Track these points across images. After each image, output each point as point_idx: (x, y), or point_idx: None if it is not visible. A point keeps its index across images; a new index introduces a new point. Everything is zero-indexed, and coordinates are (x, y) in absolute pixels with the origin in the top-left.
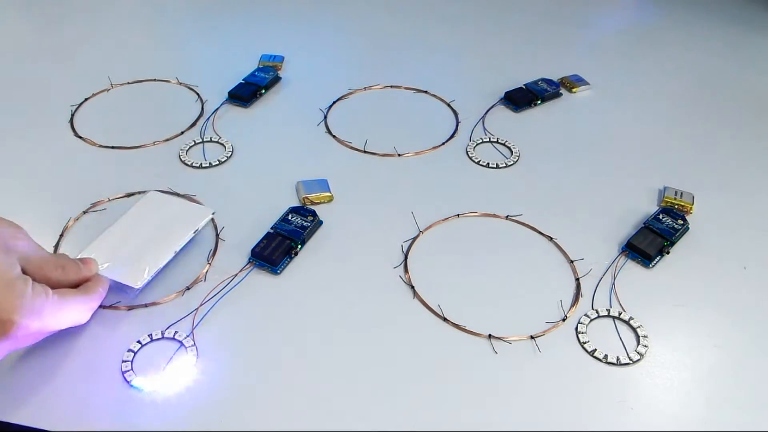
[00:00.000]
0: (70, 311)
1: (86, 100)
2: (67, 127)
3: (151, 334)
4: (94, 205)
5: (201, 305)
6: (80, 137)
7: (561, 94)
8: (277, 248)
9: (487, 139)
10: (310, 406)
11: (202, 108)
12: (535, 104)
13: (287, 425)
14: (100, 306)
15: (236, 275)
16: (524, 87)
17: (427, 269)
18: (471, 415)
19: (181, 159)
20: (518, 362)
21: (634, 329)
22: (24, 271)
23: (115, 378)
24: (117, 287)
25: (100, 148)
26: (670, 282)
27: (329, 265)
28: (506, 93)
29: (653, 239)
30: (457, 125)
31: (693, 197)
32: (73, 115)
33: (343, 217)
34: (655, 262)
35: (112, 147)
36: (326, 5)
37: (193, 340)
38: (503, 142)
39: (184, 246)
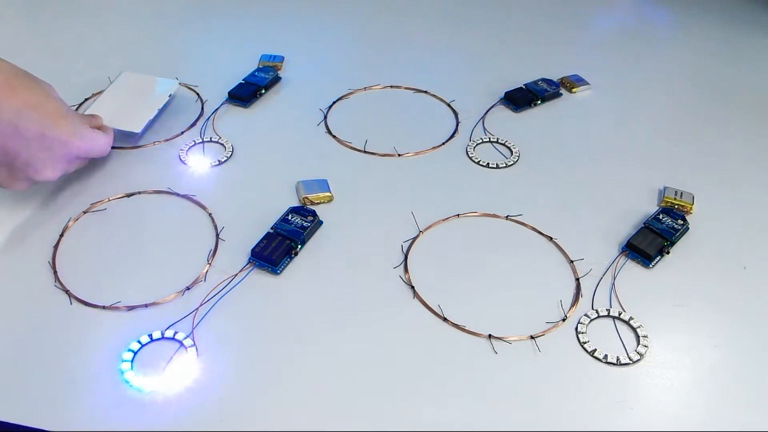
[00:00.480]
0: (100, 139)
1: (86, 100)
2: None
3: (151, 334)
4: (94, 205)
5: (201, 305)
6: None
7: (561, 94)
8: (277, 248)
9: (487, 139)
10: (310, 405)
11: (202, 108)
12: (535, 104)
13: (287, 425)
14: (101, 306)
15: (236, 275)
16: (524, 87)
17: (427, 269)
18: (471, 415)
19: (181, 159)
20: (518, 362)
21: (634, 329)
22: None
23: (115, 378)
24: (121, 135)
25: None
26: (670, 282)
27: (329, 265)
28: (506, 93)
29: (653, 239)
30: (457, 125)
31: (693, 197)
32: None
33: (343, 217)
34: (655, 262)
35: (112, 147)
36: (326, 5)
37: (193, 340)
38: (503, 142)
39: (164, 107)
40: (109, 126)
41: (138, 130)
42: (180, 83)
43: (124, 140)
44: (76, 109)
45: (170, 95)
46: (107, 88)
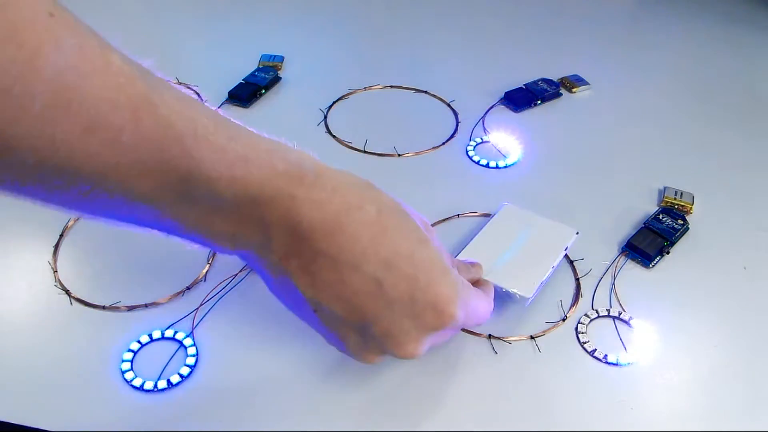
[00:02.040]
0: (484, 309)
1: None
2: None
3: (151, 334)
4: None
5: (201, 305)
6: None
7: (561, 94)
8: None
9: (487, 140)
10: (310, 405)
11: None
12: (535, 104)
13: (287, 425)
14: (101, 306)
15: (236, 275)
16: (524, 87)
17: None
18: (471, 415)
19: None
20: (518, 362)
21: (634, 329)
22: None
23: (115, 378)
24: (503, 295)
25: None
26: (670, 282)
27: None
28: (506, 93)
29: (653, 239)
30: (457, 125)
31: (693, 197)
32: None
33: None
34: (655, 262)
35: None
36: (326, 5)
37: (193, 340)
38: (503, 142)
39: (558, 265)
40: (489, 281)
41: (529, 294)
42: (180, 83)
43: (504, 300)
44: None
45: (566, 248)
46: (487, 224)
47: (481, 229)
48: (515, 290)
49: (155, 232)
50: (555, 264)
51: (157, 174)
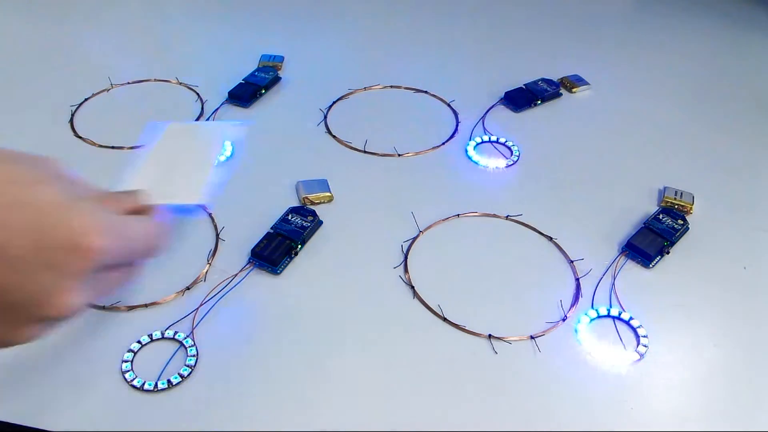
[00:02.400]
0: (143, 230)
1: (86, 100)
2: (67, 127)
3: (151, 334)
4: None
5: (201, 305)
6: (80, 137)
7: (561, 94)
8: (277, 248)
9: (487, 139)
10: (310, 405)
11: (202, 108)
12: (535, 104)
13: (287, 425)
14: (101, 306)
15: (236, 275)
16: (524, 87)
17: (427, 269)
18: (471, 415)
19: None
20: (518, 362)
21: (634, 329)
22: None
23: (115, 378)
24: (182, 211)
25: (99, 148)
26: (670, 282)
27: (329, 265)
28: (506, 93)
29: (653, 239)
30: (457, 125)
31: (693, 197)
32: (73, 115)
33: (343, 217)
34: (655, 262)
35: (112, 147)
36: (326, 5)
37: (193, 340)
38: (503, 142)
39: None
40: (159, 203)
41: (197, 201)
42: (180, 83)
43: (182, 215)
44: (76, 110)
45: (223, 142)
46: (147, 150)
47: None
48: (184, 201)
49: None
50: (214, 160)
51: None
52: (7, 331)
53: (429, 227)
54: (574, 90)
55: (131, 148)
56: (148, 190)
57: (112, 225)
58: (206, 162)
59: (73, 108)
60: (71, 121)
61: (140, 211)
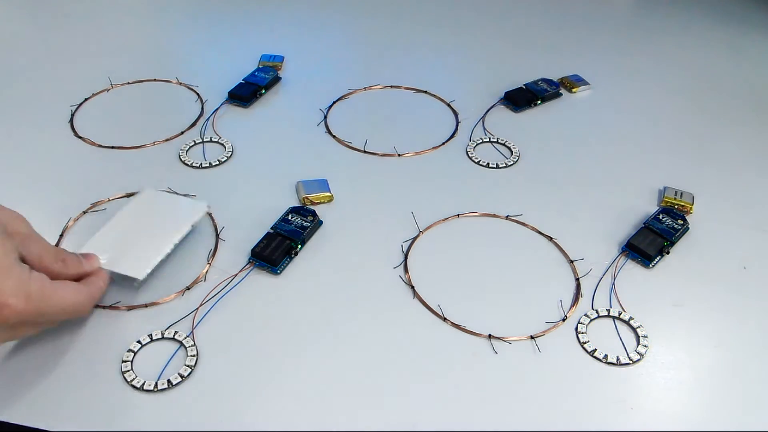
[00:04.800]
0: (70, 299)
1: (86, 100)
2: (67, 127)
3: (151, 334)
4: (94, 205)
5: (201, 305)
6: (80, 137)
7: (561, 94)
8: (277, 248)
9: (487, 139)
10: (310, 405)
11: (202, 108)
12: (535, 104)
13: (287, 425)
14: (101, 306)
15: (236, 275)
16: (524, 87)
17: (427, 269)
18: (471, 415)
19: (181, 159)
20: (518, 362)
21: (634, 329)
22: (23, 260)
23: (115, 378)
24: (119, 280)
25: (99, 148)
26: (670, 282)
27: (329, 265)
28: (506, 93)
29: (653, 239)
30: (457, 125)
31: (693, 197)
32: (73, 115)
33: (343, 217)
34: (655, 262)
35: (112, 147)
36: (326, 5)
37: (193, 340)
38: (503, 142)
39: (184, 239)
40: (107, 268)
41: (141, 276)
42: (180, 83)
43: (120, 286)
44: (76, 110)
45: (193, 224)
46: (120, 212)
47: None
48: (127, 272)
49: None
50: (177, 241)
51: None
52: None
53: (429, 227)
54: (574, 90)
55: (131, 148)
56: (98, 255)
57: (34, 292)
58: (166, 242)
59: (73, 108)
60: (71, 121)
61: (83, 274)
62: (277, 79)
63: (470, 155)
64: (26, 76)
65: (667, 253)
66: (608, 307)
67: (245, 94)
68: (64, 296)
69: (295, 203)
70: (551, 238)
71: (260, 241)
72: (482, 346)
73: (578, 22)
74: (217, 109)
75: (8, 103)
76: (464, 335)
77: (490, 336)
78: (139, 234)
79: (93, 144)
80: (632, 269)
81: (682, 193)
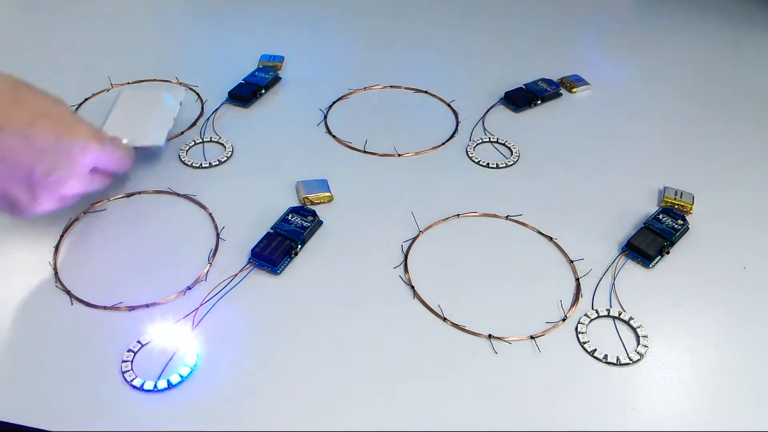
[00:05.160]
0: (120, 148)
1: (86, 100)
2: None
3: (151, 334)
4: (93, 205)
5: (201, 305)
6: None
7: (561, 94)
8: (277, 248)
9: (487, 139)
10: (310, 405)
11: (202, 108)
12: (535, 104)
13: (287, 425)
14: (102, 307)
15: (236, 275)
16: (524, 87)
17: (427, 269)
18: (471, 415)
19: (181, 159)
20: (518, 362)
21: (634, 329)
22: None
23: (115, 378)
24: (143, 153)
25: None
26: (670, 282)
27: (329, 265)
28: (506, 93)
29: (653, 239)
30: (457, 125)
31: (693, 197)
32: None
33: (343, 217)
34: (655, 262)
35: None
36: (326, 5)
37: (194, 340)
38: (503, 142)
39: (177, 114)
40: (128, 145)
41: (161, 143)
42: (180, 83)
43: (148, 157)
44: (76, 110)
45: (180, 102)
46: (111, 109)
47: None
48: (150, 143)
49: None
50: (174, 115)
51: None
52: (31, 203)
53: (429, 227)
54: (574, 90)
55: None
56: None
57: (105, 137)
58: (166, 116)
59: (74, 108)
60: None
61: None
62: (277, 79)
63: (470, 155)
64: (26, 76)
65: (667, 253)
66: (608, 307)
67: (245, 94)
68: (118, 147)
69: (295, 203)
70: (551, 238)
71: (260, 241)
72: (482, 346)
73: (578, 22)
74: (217, 109)
75: None
76: (464, 335)
77: (490, 336)
78: (142, 118)
79: None
80: (632, 269)
81: (682, 193)
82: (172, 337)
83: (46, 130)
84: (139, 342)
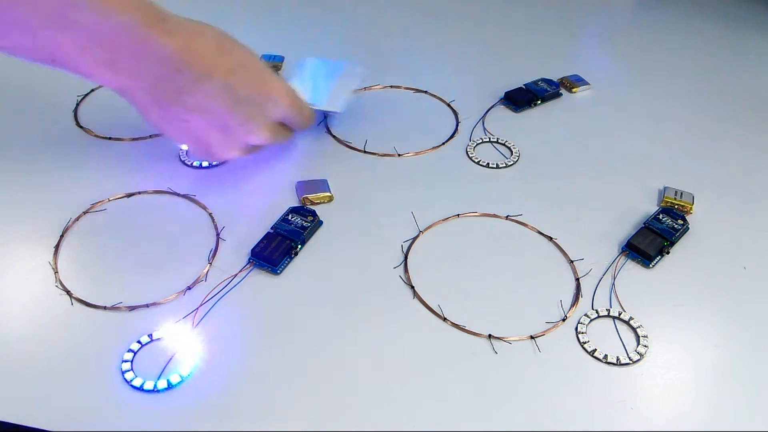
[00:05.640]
0: (308, 111)
1: (93, 91)
2: (70, 116)
3: (151, 334)
4: (94, 205)
5: (201, 305)
6: (81, 127)
7: (561, 94)
8: (277, 248)
9: (487, 139)
10: (310, 405)
11: None
12: (535, 104)
13: (287, 425)
14: (102, 307)
15: (236, 275)
16: (524, 87)
17: (427, 269)
18: (471, 415)
19: (181, 159)
20: (518, 362)
21: (634, 329)
22: None
23: (115, 378)
24: (322, 114)
25: (97, 138)
26: (670, 282)
27: (329, 265)
28: (506, 93)
29: (653, 239)
30: (457, 125)
31: (693, 197)
32: (78, 105)
33: (343, 217)
34: (655, 262)
35: (109, 138)
36: (326, 5)
37: (194, 340)
38: (503, 142)
39: (356, 88)
40: (313, 107)
41: (340, 109)
42: None
43: (326, 120)
44: (78, 104)
45: (361, 77)
46: (297, 72)
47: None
48: (330, 109)
49: (53, 66)
50: (355, 87)
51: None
52: (223, 148)
53: (429, 227)
54: (574, 90)
55: (132, 139)
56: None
57: (295, 95)
58: (346, 86)
59: (79, 98)
60: (75, 110)
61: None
62: None
63: (470, 155)
64: (26, 77)
65: (667, 253)
66: (608, 307)
67: None
68: (306, 104)
69: (295, 203)
70: (551, 238)
71: (260, 241)
72: (482, 346)
73: (578, 22)
74: None
75: (8, 102)
76: (464, 335)
77: (490, 336)
78: (325, 83)
79: (92, 134)
80: (632, 269)
81: (682, 193)
82: (172, 337)
83: (245, 81)
84: (139, 342)
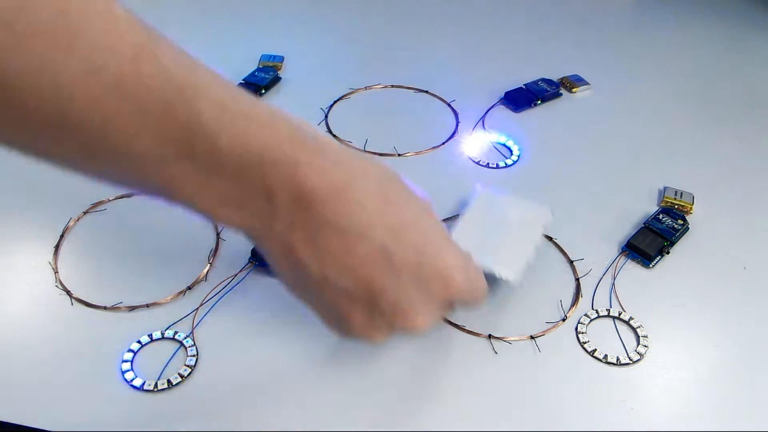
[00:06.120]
0: (481, 281)
1: None
2: None
3: (151, 334)
4: (94, 205)
5: (201, 305)
6: None
7: (561, 94)
8: None
9: (487, 140)
10: (310, 405)
11: None
12: (535, 104)
13: (287, 425)
14: (102, 307)
15: (236, 275)
16: (524, 87)
17: None
18: (471, 416)
19: None
20: (518, 362)
21: (634, 329)
22: None
23: (115, 378)
24: (489, 279)
25: None
26: (670, 282)
27: None
28: (506, 93)
29: (653, 239)
30: (457, 125)
31: (693, 197)
32: None
33: None
34: (655, 262)
35: None
36: (326, 5)
37: (193, 340)
38: (503, 142)
39: (539, 245)
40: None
41: (512, 278)
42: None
43: (492, 286)
44: None
45: (544, 228)
46: (464, 212)
47: (459, 217)
48: (502, 274)
49: (163, 199)
50: (536, 244)
51: (158, 124)
52: (365, 328)
53: None
54: (574, 90)
55: None
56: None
57: (471, 269)
58: (529, 242)
59: None
60: None
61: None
62: (277, 79)
63: (470, 155)
64: None
65: (667, 253)
66: (608, 307)
67: None
68: (480, 280)
69: None
70: (551, 238)
71: None
72: (482, 346)
73: (578, 22)
74: None
75: None
76: (464, 335)
77: (490, 336)
78: (499, 234)
79: None
80: (632, 269)
81: (682, 193)
82: (172, 338)
83: (409, 249)
84: (139, 342)
